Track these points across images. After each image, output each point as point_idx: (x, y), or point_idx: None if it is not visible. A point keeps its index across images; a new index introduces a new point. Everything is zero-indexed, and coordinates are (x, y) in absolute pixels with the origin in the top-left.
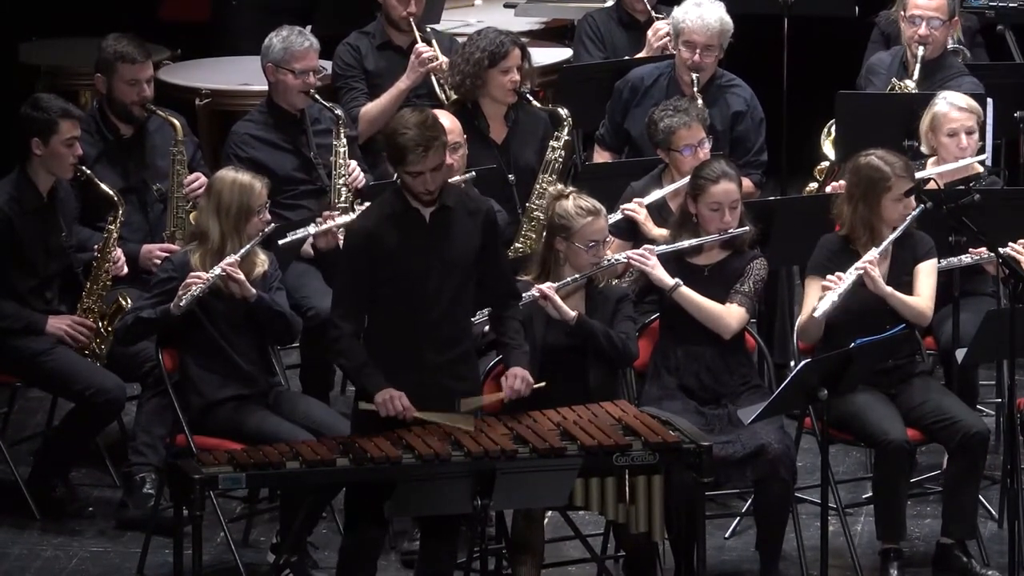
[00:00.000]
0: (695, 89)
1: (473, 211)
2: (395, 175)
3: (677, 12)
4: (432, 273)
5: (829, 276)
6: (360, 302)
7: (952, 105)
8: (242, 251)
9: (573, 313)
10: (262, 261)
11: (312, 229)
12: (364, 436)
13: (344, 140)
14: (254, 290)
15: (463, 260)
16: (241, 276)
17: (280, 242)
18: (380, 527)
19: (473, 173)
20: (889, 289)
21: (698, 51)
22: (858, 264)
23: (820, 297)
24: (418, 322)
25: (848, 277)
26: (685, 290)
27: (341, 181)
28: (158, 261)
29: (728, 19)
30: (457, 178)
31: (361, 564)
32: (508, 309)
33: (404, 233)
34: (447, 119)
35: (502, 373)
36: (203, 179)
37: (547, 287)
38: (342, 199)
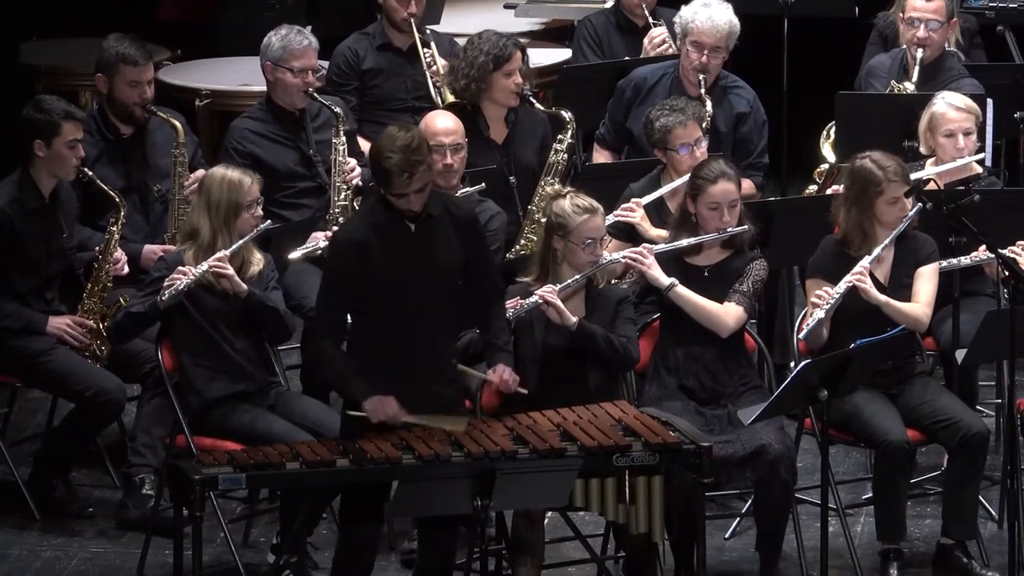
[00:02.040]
0: (702, 90)
1: (457, 217)
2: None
3: (685, 12)
4: (418, 282)
5: (818, 292)
6: (343, 311)
7: (950, 106)
8: (233, 247)
9: (574, 319)
10: (258, 260)
11: (323, 243)
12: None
13: (343, 137)
14: (245, 285)
15: (449, 268)
16: (230, 271)
17: (291, 256)
18: (376, 526)
19: (483, 184)
20: (883, 298)
21: (706, 52)
22: (848, 277)
23: (808, 313)
24: (405, 330)
25: (837, 291)
26: (681, 289)
27: (340, 178)
28: None
29: (736, 21)
30: (467, 190)
31: (357, 563)
32: (493, 306)
33: (389, 244)
34: (450, 120)
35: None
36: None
37: (549, 293)
38: (341, 197)
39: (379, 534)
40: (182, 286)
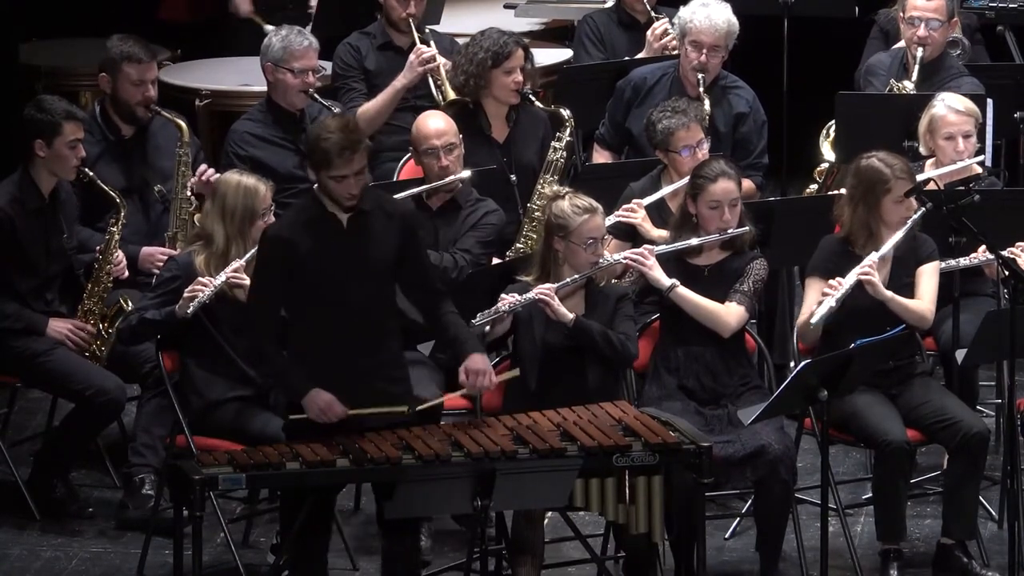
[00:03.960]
0: (701, 90)
1: (391, 214)
2: (314, 182)
3: (684, 12)
4: (351, 277)
5: (830, 281)
6: (275, 308)
7: (950, 108)
8: (247, 255)
9: (571, 315)
10: None
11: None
12: (301, 444)
13: None
14: None
15: (381, 263)
16: (247, 281)
17: None
18: (321, 537)
19: (469, 172)
20: (889, 294)
21: (705, 52)
22: (857, 270)
23: (819, 302)
24: (341, 326)
25: (847, 282)
26: (682, 290)
27: None
28: (160, 264)
29: (735, 20)
30: (453, 177)
31: (313, 562)
32: (440, 307)
33: (321, 238)
34: (442, 121)
35: (505, 370)
36: (212, 170)
37: (546, 289)
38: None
39: (326, 547)
40: (204, 298)
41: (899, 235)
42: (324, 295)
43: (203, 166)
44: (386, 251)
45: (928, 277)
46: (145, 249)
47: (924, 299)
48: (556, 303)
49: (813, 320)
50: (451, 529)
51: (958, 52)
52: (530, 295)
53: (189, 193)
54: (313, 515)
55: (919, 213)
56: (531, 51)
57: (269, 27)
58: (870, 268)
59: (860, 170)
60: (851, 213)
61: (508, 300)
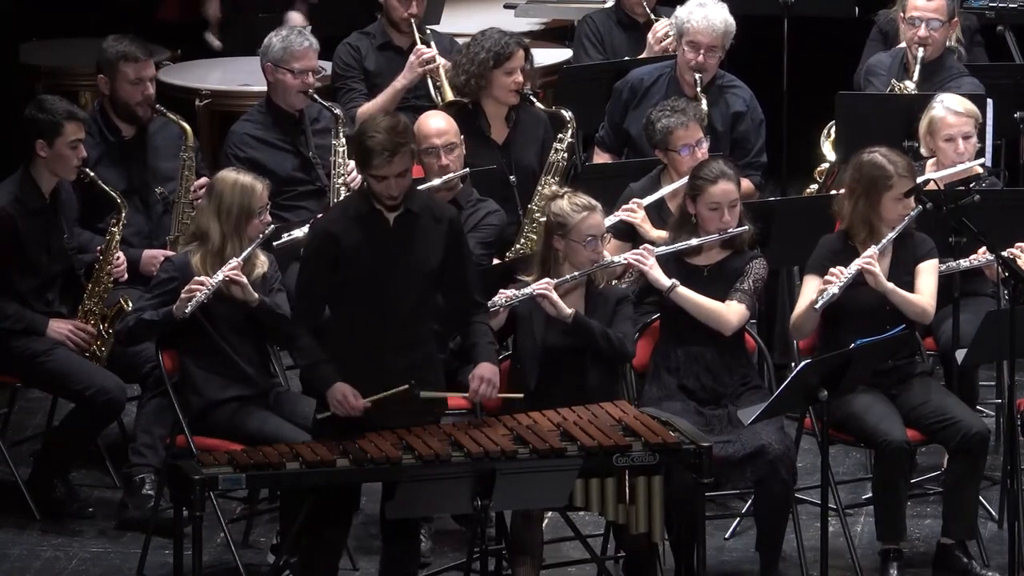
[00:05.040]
0: (698, 89)
1: (439, 218)
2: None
3: (681, 12)
4: (393, 276)
5: (832, 269)
6: (318, 301)
7: (949, 110)
8: (244, 254)
9: (570, 310)
10: (262, 263)
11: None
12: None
13: (343, 139)
14: (256, 295)
15: (425, 266)
16: (244, 280)
17: (275, 243)
18: (342, 531)
19: (467, 170)
20: (890, 286)
21: (702, 52)
22: (858, 260)
23: (821, 290)
24: (379, 325)
25: (849, 271)
26: (682, 290)
27: (340, 181)
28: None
29: (732, 20)
30: (453, 174)
31: (324, 566)
32: (474, 316)
33: (367, 235)
34: (443, 120)
35: (508, 372)
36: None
37: (545, 283)
38: (341, 198)
39: (344, 540)
40: (202, 298)
41: (897, 230)
42: (364, 291)
43: (203, 179)
44: (430, 254)
45: (927, 274)
46: (147, 252)
47: (924, 294)
48: (555, 297)
49: (817, 306)
50: (451, 529)
51: (955, 57)
52: (528, 289)
53: (192, 198)
54: (334, 506)
55: (918, 210)
56: (531, 51)
57: (216, 43)
58: (871, 259)
59: (862, 164)
60: (851, 207)
61: (506, 294)
